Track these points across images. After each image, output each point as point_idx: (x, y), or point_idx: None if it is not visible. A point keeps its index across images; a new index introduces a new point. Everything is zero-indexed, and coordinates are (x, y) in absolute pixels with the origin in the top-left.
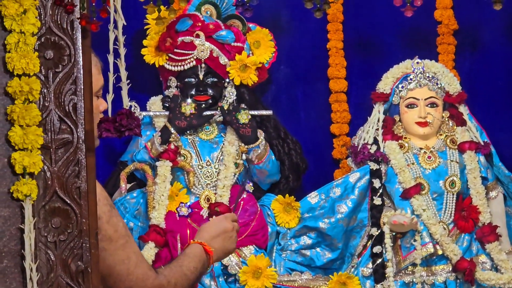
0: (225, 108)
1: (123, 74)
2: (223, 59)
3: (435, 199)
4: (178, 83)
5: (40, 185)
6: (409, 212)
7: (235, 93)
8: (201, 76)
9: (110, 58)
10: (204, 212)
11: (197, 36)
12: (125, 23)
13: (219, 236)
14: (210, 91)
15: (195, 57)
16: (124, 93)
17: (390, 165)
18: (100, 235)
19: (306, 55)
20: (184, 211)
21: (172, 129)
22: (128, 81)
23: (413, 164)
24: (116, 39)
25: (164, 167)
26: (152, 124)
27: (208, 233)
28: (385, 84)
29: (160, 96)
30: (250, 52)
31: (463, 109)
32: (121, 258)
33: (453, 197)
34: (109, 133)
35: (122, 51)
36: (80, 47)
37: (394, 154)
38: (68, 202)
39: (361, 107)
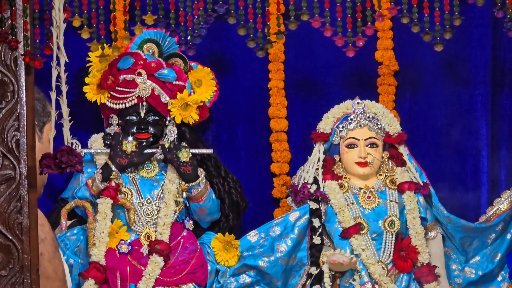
0: (166, 146)
1: (65, 111)
2: (164, 98)
3: (374, 239)
4: (120, 121)
5: None
6: (348, 251)
7: (176, 131)
8: (142, 114)
9: (53, 95)
10: (144, 250)
11: (139, 74)
12: (68, 60)
13: None
14: (151, 129)
15: (136, 95)
16: (66, 130)
17: (329, 205)
18: (40, 271)
19: (247, 94)
20: (124, 248)
21: (113, 166)
22: (70, 117)
23: (352, 204)
24: (58, 76)
25: (105, 204)
26: (93, 162)
27: None
28: (325, 124)
29: (102, 134)
30: (192, 90)
31: (403, 150)
32: None
33: (392, 237)
34: (50, 169)
35: (64, 88)
36: (24, 84)
37: (334, 193)
38: (10, 237)
39: (302, 147)
